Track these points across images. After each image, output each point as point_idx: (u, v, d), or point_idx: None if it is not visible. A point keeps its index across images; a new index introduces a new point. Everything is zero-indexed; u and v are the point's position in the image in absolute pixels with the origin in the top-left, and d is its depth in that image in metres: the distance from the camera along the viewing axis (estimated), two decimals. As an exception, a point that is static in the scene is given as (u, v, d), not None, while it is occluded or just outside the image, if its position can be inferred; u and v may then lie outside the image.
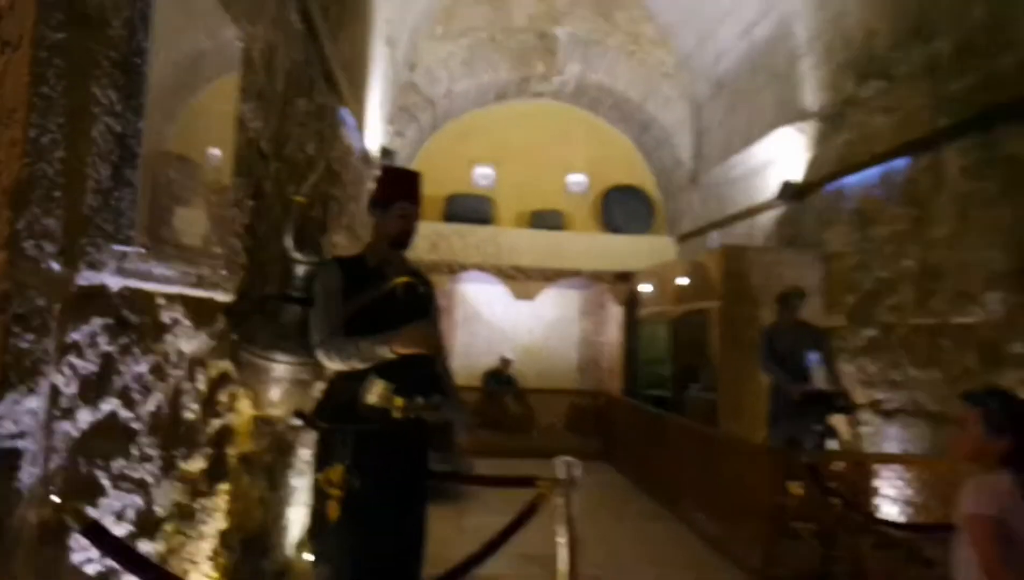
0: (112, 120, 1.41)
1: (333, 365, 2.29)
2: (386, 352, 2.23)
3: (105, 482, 1.49)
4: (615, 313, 9.61)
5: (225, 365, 2.30)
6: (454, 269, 8.97)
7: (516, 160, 10.08)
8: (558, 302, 10.13)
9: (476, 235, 9.48)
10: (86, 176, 1.33)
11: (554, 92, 9.80)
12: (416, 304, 2.49)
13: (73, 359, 1.35)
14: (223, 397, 2.29)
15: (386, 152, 5.93)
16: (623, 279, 9.08)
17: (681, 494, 5.58)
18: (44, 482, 1.28)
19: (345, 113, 4.53)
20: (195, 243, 1.84)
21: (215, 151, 1.95)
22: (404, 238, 2.47)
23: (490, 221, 9.85)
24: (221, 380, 2.27)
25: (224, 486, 2.33)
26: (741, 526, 4.47)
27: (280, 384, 2.38)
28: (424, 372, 2.42)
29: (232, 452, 2.45)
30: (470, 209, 9.80)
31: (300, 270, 2.43)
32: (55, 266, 1.25)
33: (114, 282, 1.48)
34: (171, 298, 1.80)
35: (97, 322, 1.42)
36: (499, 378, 8.88)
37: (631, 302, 8.92)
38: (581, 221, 10.14)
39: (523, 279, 9.02)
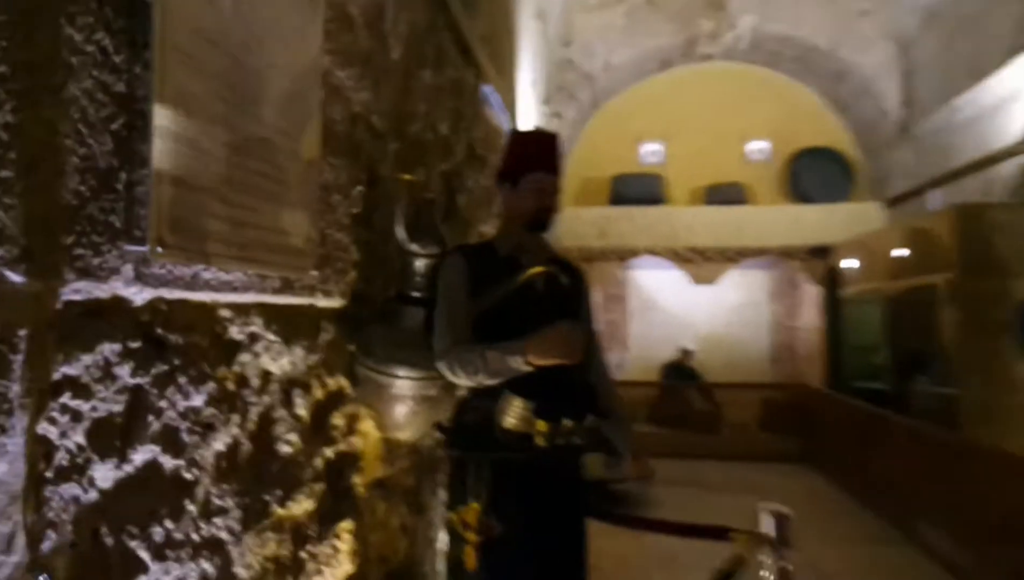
0: (105, 74, 1.03)
1: (459, 381, 1.85)
2: (518, 364, 1.74)
3: (144, 554, 1.14)
4: (811, 294, 8.45)
5: (339, 382, 1.94)
6: (624, 255, 8.33)
7: (686, 132, 9.21)
8: (742, 284, 9.12)
9: (646, 217, 8.77)
10: (63, 150, 0.97)
11: (725, 51, 8.79)
12: (561, 300, 1.98)
13: (71, 401, 1.00)
14: (339, 419, 1.94)
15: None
16: (819, 254, 7.91)
17: (914, 511, 4.57)
18: (33, 571, 0.94)
19: (489, 91, 4.12)
20: (278, 239, 1.47)
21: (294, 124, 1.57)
22: (542, 217, 1.96)
23: (661, 200, 9.09)
24: (334, 400, 1.91)
25: (347, 524, 1.97)
26: (998, 555, 3.50)
27: (403, 402, 1.98)
28: (574, 386, 1.91)
29: (359, 481, 2.10)
30: (638, 189, 9.11)
31: (419, 265, 2.01)
32: (13, 277, 0.89)
33: (136, 294, 1.11)
34: (242, 309, 1.43)
35: (108, 348, 1.06)
36: (680, 371, 8.13)
37: (830, 280, 7.74)
38: (765, 193, 9.05)
39: (701, 261, 8.17)
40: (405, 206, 1.99)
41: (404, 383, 1.95)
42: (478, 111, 3.85)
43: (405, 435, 2.07)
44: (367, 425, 2.10)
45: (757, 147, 9.10)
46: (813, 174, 8.81)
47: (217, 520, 1.34)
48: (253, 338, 1.48)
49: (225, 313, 1.38)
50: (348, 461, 2.02)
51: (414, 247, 1.98)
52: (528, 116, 5.80)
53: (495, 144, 4.35)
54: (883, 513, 5.11)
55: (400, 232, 1.97)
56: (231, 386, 1.40)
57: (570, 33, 8.14)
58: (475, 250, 2.01)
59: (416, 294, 2.01)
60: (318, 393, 1.80)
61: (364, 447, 2.13)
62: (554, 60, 7.87)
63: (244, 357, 1.45)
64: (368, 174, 2.16)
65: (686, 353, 8.23)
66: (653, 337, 9.01)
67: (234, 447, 1.40)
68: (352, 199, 1.99)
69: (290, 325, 1.63)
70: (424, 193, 2.14)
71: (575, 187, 9.35)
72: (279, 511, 1.59)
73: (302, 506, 1.69)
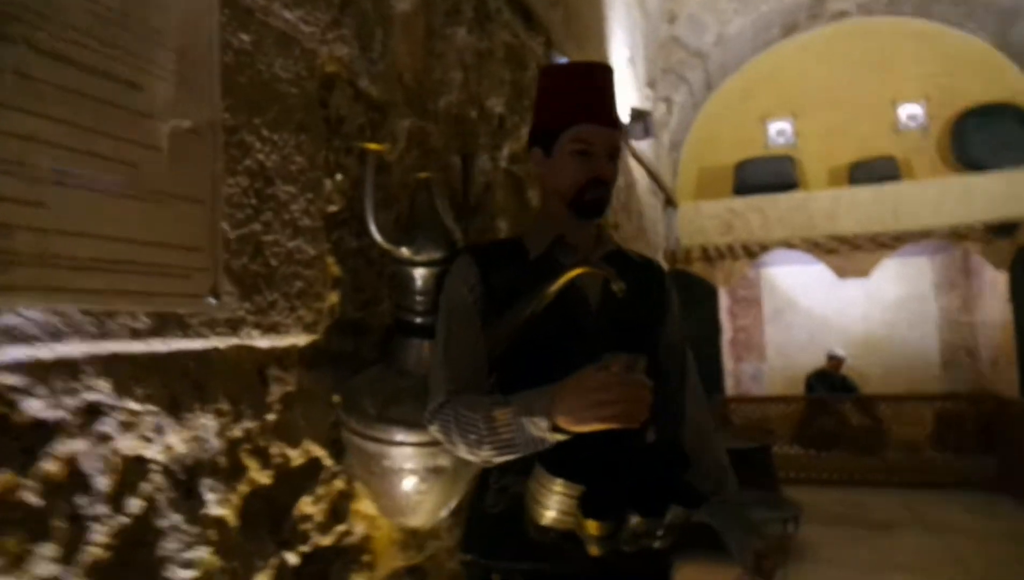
0: None
1: (460, 454, 1.20)
2: (543, 431, 1.07)
3: None
4: (994, 281, 7.02)
5: (309, 452, 1.35)
6: (753, 251, 7.31)
7: (820, 105, 8.05)
8: (901, 276, 7.79)
9: (778, 206, 7.69)
10: None
11: (863, 4, 7.58)
12: (628, 320, 1.29)
13: None
14: (310, 507, 1.35)
15: (638, 114, 4.74)
16: (1003, 233, 6.52)
17: None
18: None
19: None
20: (129, 253, 0.90)
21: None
22: (593, 194, 1.28)
23: (794, 185, 7.98)
24: (298, 480, 1.33)
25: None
26: None
27: (404, 478, 1.36)
28: (649, 456, 1.21)
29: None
30: (767, 175, 8.04)
31: (420, 277, 1.39)
32: None
33: None
34: (54, 368, 0.87)
35: None
36: (829, 381, 6.99)
37: (1021, 263, 6.35)
38: (923, 165, 7.70)
39: (847, 251, 6.98)
40: (375, 189, 1.37)
41: (403, 451, 1.33)
42: (551, 87, 3.20)
43: (413, 522, 1.44)
44: (364, 505, 1.50)
45: (909, 112, 7.77)
46: (985, 136, 7.36)
47: None
48: (92, 413, 0.92)
49: (10, 380, 0.82)
50: (338, 559, 1.43)
51: (404, 251, 1.36)
52: (626, 99, 5.07)
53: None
54: None
55: (372, 228, 1.35)
56: (32, 497, 0.84)
57: (674, 7, 7.29)
58: (494, 250, 1.36)
59: (419, 320, 1.39)
60: (260, 476, 1.21)
61: (371, 532, 1.53)
62: (657, 39, 7.06)
63: (70, 445, 0.89)
64: (360, 158, 1.58)
65: (835, 360, 7.06)
66: (794, 343, 7.88)
67: (45, 600, 0.84)
68: (322, 192, 1.41)
69: (183, 383, 1.06)
70: (418, 174, 1.51)
71: (692, 180, 8.45)
72: (175, 677, 1.01)
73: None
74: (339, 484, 1.44)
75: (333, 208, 1.46)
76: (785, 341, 7.97)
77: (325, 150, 1.44)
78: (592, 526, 1.10)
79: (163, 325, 1.01)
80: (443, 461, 1.36)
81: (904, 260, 7.58)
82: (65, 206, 0.82)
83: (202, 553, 1.08)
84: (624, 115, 4.85)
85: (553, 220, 1.34)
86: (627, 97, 5.13)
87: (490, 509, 1.25)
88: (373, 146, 1.35)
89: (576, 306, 1.26)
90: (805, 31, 7.94)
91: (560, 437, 1.06)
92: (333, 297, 1.45)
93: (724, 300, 8.19)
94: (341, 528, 1.45)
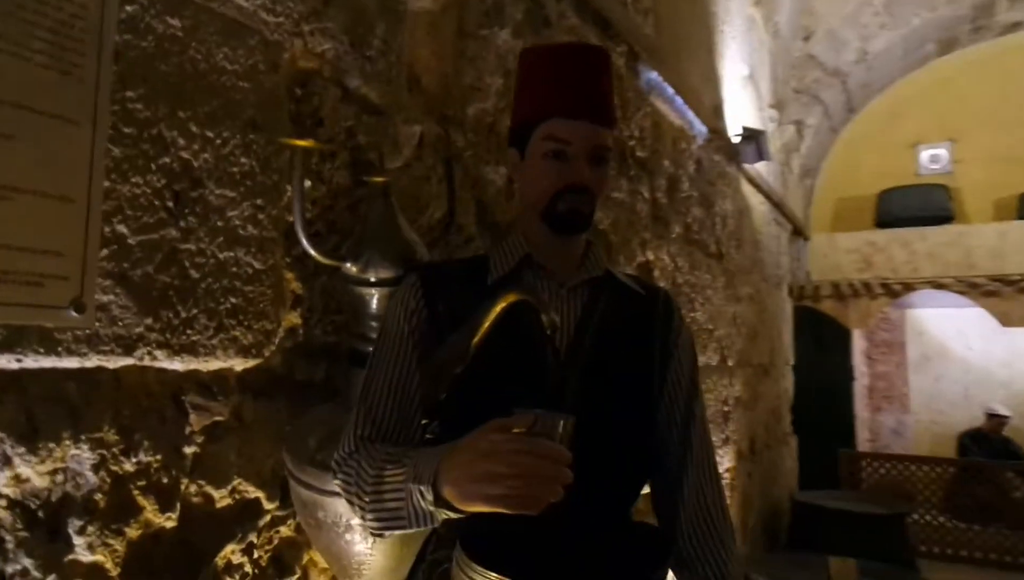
0: None
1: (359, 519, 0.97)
2: (428, 504, 0.83)
3: None
4: None
5: (245, 493, 1.18)
6: (895, 290, 6.48)
7: (985, 127, 7.15)
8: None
9: (927, 240, 6.83)
10: None
11: (1038, 14, 6.63)
12: (605, 364, 1.02)
13: None
14: (238, 555, 1.17)
15: (750, 134, 4.31)
16: None
17: None
18: None
19: (656, 80, 3.18)
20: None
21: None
22: (569, 205, 1.03)
23: (949, 217, 7.07)
24: (236, 520, 1.16)
25: None
26: None
27: (343, 533, 1.15)
28: (615, 539, 0.94)
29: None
30: (915, 205, 7.21)
31: (373, 299, 1.19)
32: None
33: None
34: None
35: None
36: (987, 443, 6.01)
37: None
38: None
39: (1013, 294, 6.02)
40: (303, 189, 1.19)
41: (338, 502, 1.13)
42: (632, 101, 2.93)
43: (364, 586, 1.23)
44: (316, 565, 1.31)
45: (1097, 134, 6.67)
46: None
47: None
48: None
49: None
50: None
51: (350, 268, 1.16)
52: (741, 120, 4.66)
53: (667, 146, 3.36)
54: None
55: (303, 238, 1.17)
56: None
57: (810, 23, 6.73)
58: (449, 271, 1.13)
59: (371, 349, 1.19)
60: (160, 519, 1.05)
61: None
62: (790, 58, 6.53)
63: None
64: (349, 165, 1.42)
65: (996, 419, 6.07)
66: (945, 396, 6.91)
67: None
68: (278, 200, 1.26)
69: (49, 407, 0.92)
70: (373, 178, 1.32)
71: (827, 210, 7.74)
72: None
73: None
74: (285, 531, 1.26)
75: (308, 217, 1.30)
76: (934, 393, 6.98)
77: (292, 153, 1.28)
78: None
79: (16, 339, 0.88)
80: (387, 518, 1.14)
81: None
82: None
83: (63, 609, 0.93)
84: (735, 136, 4.45)
85: (526, 236, 1.10)
86: (743, 118, 4.72)
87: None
88: (300, 142, 1.17)
89: (535, 344, 1.01)
90: (967, 46, 7.06)
91: (450, 514, 0.81)
92: (292, 317, 1.29)
93: (860, 342, 7.35)
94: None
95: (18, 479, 0.89)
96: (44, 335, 0.91)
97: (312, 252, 1.14)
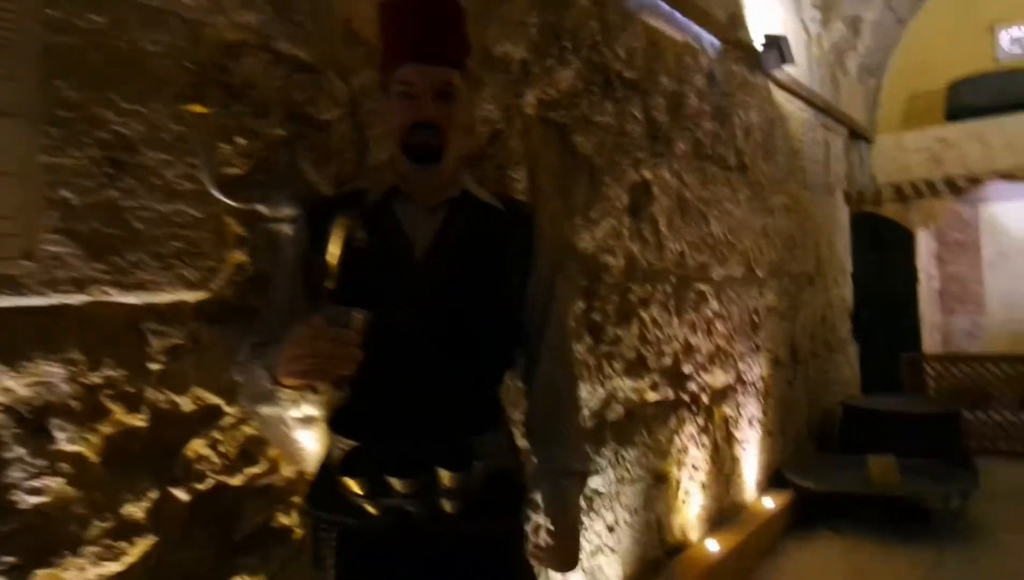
0: None
1: None
2: (268, 383, 1.06)
3: None
4: None
5: (198, 399, 1.46)
6: (962, 188, 6.13)
7: (1069, -2, 6.47)
8: None
9: (1005, 131, 6.37)
10: None
11: None
12: (461, 272, 1.21)
13: None
14: (203, 447, 1.46)
15: (771, 41, 4.17)
16: None
17: None
18: None
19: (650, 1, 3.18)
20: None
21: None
22: (418, 140, 1.20)
23: (1026, 104, 6.54)
24: (199, 421, 1.45)
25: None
26: None
27: (285, 427, 1.42)
28: (454, 403, 1.15)
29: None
30: (991, 94, 6.70)
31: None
32: None
33: None
34: None
35: None
36: (1068, 338, 5.71)
37: None
38: None
39: (1093, 179, 5.57)
40: (209, 148, 1.40)
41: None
42: (615, 24, 2.97)
43: (310, 469, 1.50)
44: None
45: None
46: None
47: None
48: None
49: None
50: (256, 498, 1.54)
51: (260, 208, 1.39)
52: (769, 27, 4.50)
53: (666, 64, 3.37)
54: None
55: (210, 185, 1.39)
56: None
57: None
58: (332, 202, 1.34)
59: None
60: (130, 419, 1.34)
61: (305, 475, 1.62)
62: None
63: None
64: (287, 120, 1.63)
65: (1077, 313, 5.75)
66: (1023, 295, 6.53)
67: None
68: (213, 157, 1.49)
69: (24, 335, 1.21)
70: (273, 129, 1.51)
71: (897, 107, 7.30)
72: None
73: (71, 574, 1.26)
74: (248, 430, 1.54)
75: (235, 171, 1.53)
76: (1010, 291, 6.62)
77: (226, 115, 1.50)
78: (351, 484, 1.06)
79: (-11, 284, 1.16)
80: (311, 410, 1.39)
81: None
82: None
83: (51, 483, 1.23)
84: (758, 43, 4.33)
85: (393, 167, 1.28)
86: (771, 24, 4.56)
87: (327, 461, 1.26)
88: (195, 109, 1.39)
89: (399, 256, 1.21)
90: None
91: (283, 389, 1.04)
92: (238, 255, 1.53)
93: (930, 244, 7.02)
94: (253, 470, 1.55)
95: (6, 390, 1.19)
96: (11, 280, 1.18)
97: (223, 198, 1.37)
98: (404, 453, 1.08)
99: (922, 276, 6.32)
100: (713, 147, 3.80)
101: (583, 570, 2.52)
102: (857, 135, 6.58)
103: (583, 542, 2.53)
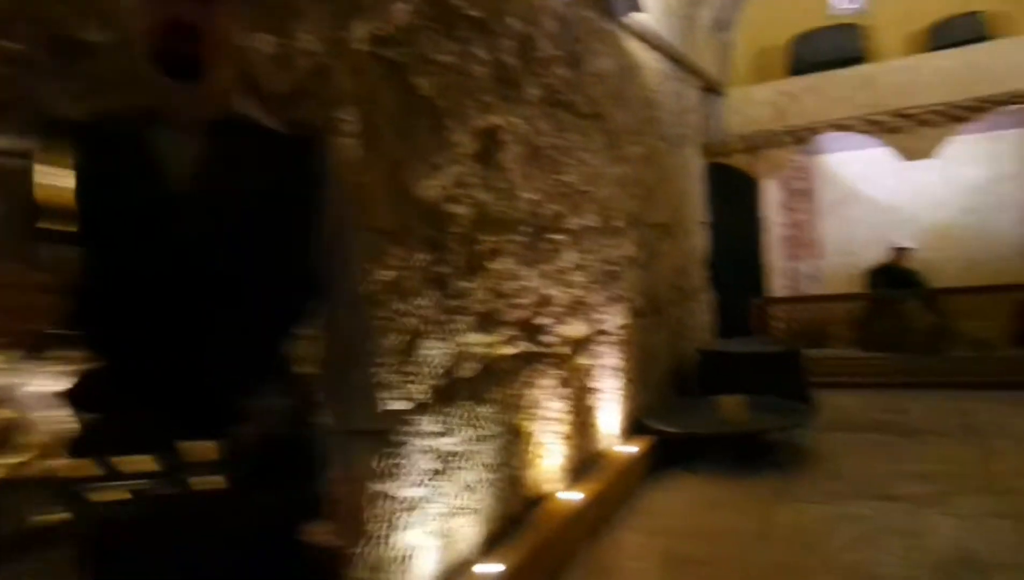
0: None
1: None
2: None
3: None
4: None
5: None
6: (802, 138, 6.48)
7: (894, -42, 6.92)
8: (985, 152, 6.75)
9: (838, 84, 6.76)
10: None
11: None
12: (223, 208, 1.01)
13: None
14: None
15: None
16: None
17: None
18: None
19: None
20: None
21: None
22: (172, 46, 0.98)
23: (860, 58, 6.98)
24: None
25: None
26: None
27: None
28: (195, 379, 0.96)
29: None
30: (828, 48, 7.11)
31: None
32: None
33: None
34: None
35: None
36: (893, 276, 6.23)
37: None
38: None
39: (913, 127, 6.06)
40: None
41: None
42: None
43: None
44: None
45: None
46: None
47: None
48: None
49: None
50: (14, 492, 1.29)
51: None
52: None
53: (513, 5, 3.22)
54: None
55: None
56: None
57: None
58: (70, 128, 1.09)
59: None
60: None
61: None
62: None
63: None
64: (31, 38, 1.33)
65: (900, 252, 6.27)
66: (856, 238, 7.09)
67: None
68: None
69: None
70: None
71: (747, 63, 7.57)
72: None
73: None
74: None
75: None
76: (845, 236, 7.17)
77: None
78: (73, 468, 0.87)
79: None
80: (49, 382, 1.16)
81: (989, 135, 6.52)
82: None
83: None
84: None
85: (144, 81, 1.05)
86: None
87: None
88: None
89: (147, 189, 0.99)
90: None
91: None
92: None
93: (776, 193, 7.44)
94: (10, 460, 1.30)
95: None
96: None
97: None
98: (148, 424, 0.89)
99: (769, 224, 6.68)
100: (566, 94, 3.72)
101: (439, 533, 2.43)
102: (710, 88, 6.77)
103: (439, 505, 2.43)
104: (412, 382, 2.34)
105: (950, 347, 5.73)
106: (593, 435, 3.77)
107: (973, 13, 6.66)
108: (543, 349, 3.29)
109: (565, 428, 3.44)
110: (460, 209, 2.70)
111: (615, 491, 3.58)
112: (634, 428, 4.21)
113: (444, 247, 2.60)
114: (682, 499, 3.72)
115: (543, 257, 3.34)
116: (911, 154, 6.16)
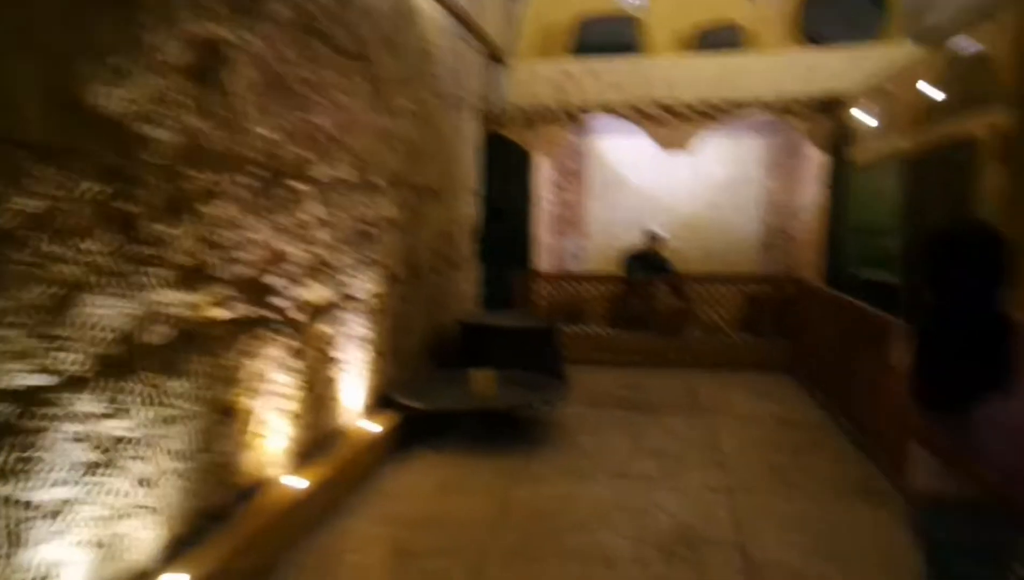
0: None
1: None
2: None
3: None
4: (816, 165, 6.72)
5: None
6: (576, 117, 6.56)
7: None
8: (731, 155, 7.39)
9: (615, 70, 6.93)
10: None
11: None
12: None
13: None
14: None
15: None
16: (828, 110, 6.12)
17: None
18: None
19: None
20: None
21: None
22: None
23: (633, 49, 7.24)
24: None
25: None
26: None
27: None
28: None
29: None
30: (609, 36, 7.25)
31: None
32: None
33: None
34: None
35: None
36: (647, 261, 6.58)
37: (839, 143, 6.01)
38: (773, 38, 7.12)
39: (671, 121, 6.41)
40: None
41: None
42: None
43: None
44: None
45: (760, -25, 7.09)
46: (833, 9, 6.84)
47: None
48: None
49: None
50: None
51: None
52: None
53: None
54: (873, 455, 3.70)
55: None
56: None
57: None
58: None
59: None
60: None
61: None
62: None
63: None
64: None
65: (654, 238, 6.64)
66: (619, 221, 7.42)
67: None
68: None
69: None
70: None
71: (536, 37, 7.50)
72: None
73: None
74: None
75: None
76: (611, 218, 7.49)
77: None
78: None
79: None
80: None
81: (736, 140, 7.14)
82: None
83: None
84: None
85: None
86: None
87: None
88: None
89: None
90: None
91: None
92: None
93: (550, 172, 7.56)
94: None
95: None
96: None
97: None
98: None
99: (540, 200, 6.73)
100: (325, 23, 3.23)
101: (97, 543, 1.90)
102: (495, 56, 6.59)
103: (98, 507, 1.90)
104: (61, 349, 1.78)
105: (690, 330, 6.19)
106: (332, 412, 3.39)
107: (732, 25, 7.20)
108: (272, 314, 2.83)
109: (296, 405, 3.02)
110: (161, 133, 2.14)
111: (349, 474, 3.24)
112: (381, 403, 3.90)
113: (133, 179, 2.04)
114: (421, 481, 3.48)
115: (279, 207, 2.86)
116: (667, 144, 6.51)
